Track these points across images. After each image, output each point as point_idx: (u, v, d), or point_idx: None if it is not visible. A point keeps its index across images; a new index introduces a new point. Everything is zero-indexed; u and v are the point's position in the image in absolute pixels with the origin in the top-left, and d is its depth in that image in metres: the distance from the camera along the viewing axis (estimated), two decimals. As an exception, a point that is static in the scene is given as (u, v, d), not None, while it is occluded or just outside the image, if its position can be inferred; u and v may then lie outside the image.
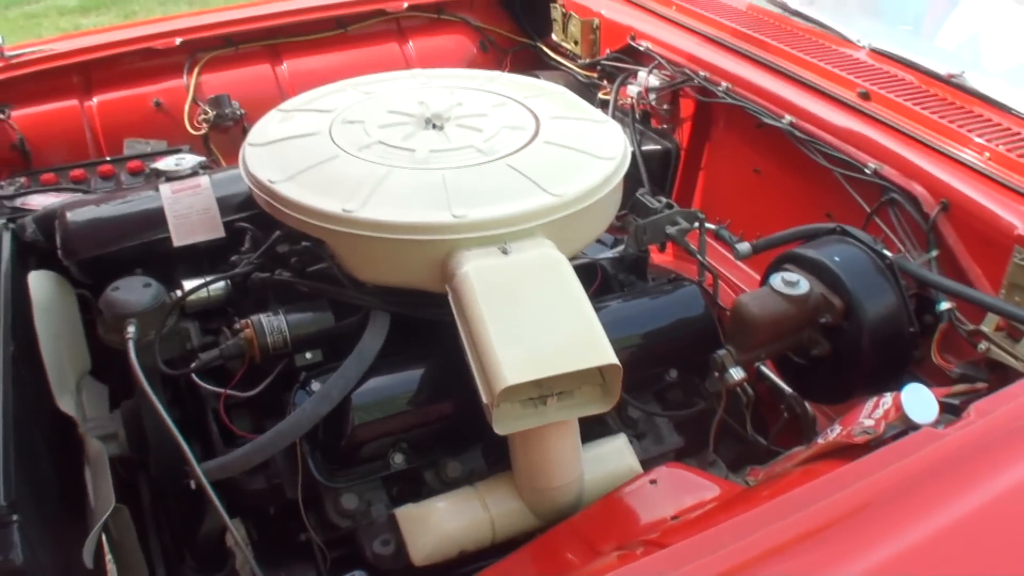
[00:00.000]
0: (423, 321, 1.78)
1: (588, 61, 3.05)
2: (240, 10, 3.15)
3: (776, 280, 1.82)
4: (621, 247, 2.14)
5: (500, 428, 1.50)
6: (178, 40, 2.87)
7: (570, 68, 3.15)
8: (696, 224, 2.03)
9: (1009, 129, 2.03)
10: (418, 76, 2.22)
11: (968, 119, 2.08)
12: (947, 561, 1.18)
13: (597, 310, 1.58)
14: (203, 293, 1.86)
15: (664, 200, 2.06)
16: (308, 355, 1.77)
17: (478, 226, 1.65)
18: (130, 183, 2.37)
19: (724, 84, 2.49)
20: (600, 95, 2.93)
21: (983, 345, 1.81)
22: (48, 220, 2.01)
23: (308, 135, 1.91)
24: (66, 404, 1.80)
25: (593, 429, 1.80)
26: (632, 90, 2.77)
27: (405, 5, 3.18)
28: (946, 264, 1.96)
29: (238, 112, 2.88)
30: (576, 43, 3.08)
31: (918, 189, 2.01)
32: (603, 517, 1.59)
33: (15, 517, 1.34)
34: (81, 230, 1.95)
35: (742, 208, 2.58)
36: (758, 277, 2.08)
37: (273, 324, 1.75)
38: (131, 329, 1.66)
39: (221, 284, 1.88)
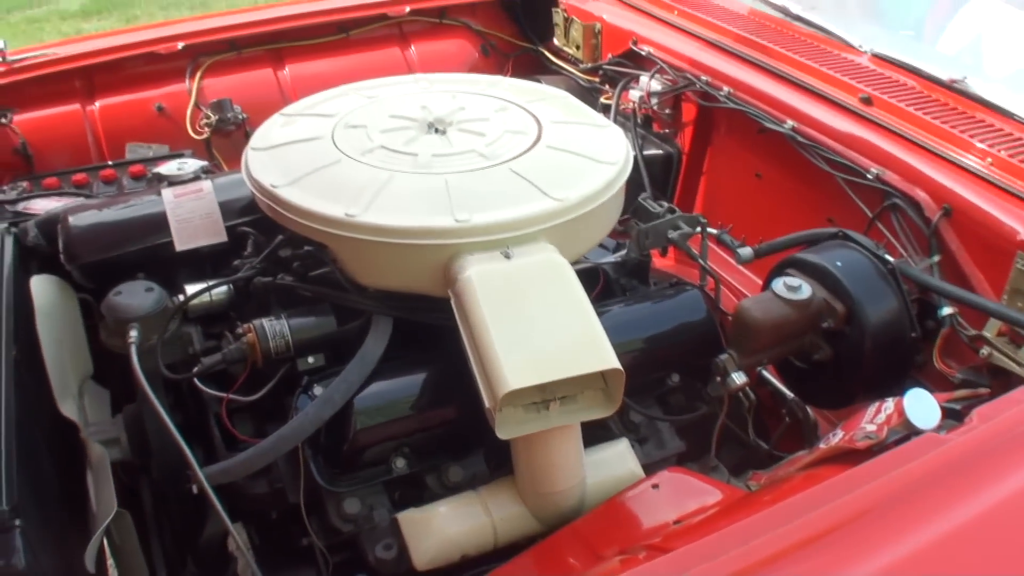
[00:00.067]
0: (425, 326, 1.77)
1: (590, 66, 3.06)
2: (242, 14, 3.15)
3: (778, 285, 1.82)
4: (623, 251, 2.14)
5: (503, 432, 1.50)
6: (180, 44, 2.87)
7: (572, 73, 3.15)
8: (698, 228, 2.03)
9: (1011, 134, 2.03)
10: (420, 81, 2.22)
11: (970, 124, 2.08)
12: (950, 566, 1.18)
13: (599, 314, 1.58)
14: (205, 297, 1.87)
15: (666, 204, 2.06)
16: (310, 359, 1.77)
17: (481, 230, 1.65)
18: (132, 187, 2.37)
19: (726, 89, 2.49)
20: (602, 100, 2.94)
21: (985, 350, 1.81)
22: (50, 224, 2.01)
23: (311, 139, 1.91)
24: (68, 408, 1.80)
25: (595, 433, 1.79)
26: (634, 95, 2.77)
27: (407, 9, 3.18)
28: (948, 269, 1.96)
29: (240, 116, 2.89)
30: (578, 48, 3.09)
31: (920, 194, 2.01)
32: (605, 521, 1.59)
33: (17, 522, 1.34)
34: (83, 234, 1.95)
35: (744, 213, 2.58)
36: (760, 282, 2.08)
37: (275, 328, 1.75)
38: (133, 333, 1.66)
39: (223, 288, 1.88)
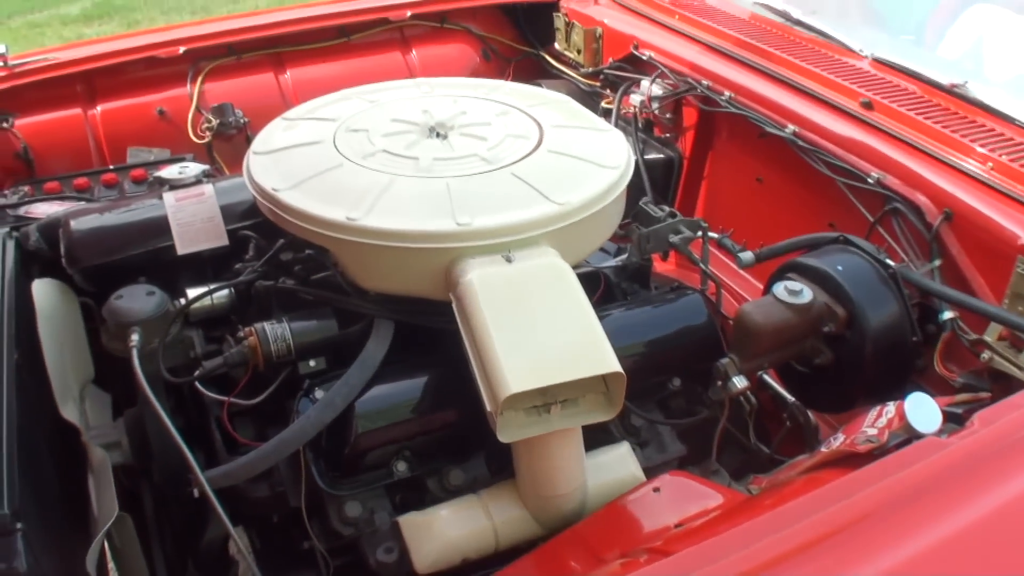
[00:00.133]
0: (427, 329, 1.78)
1: (591, 70, 3.06)
2: (243, 19, 3.16)
3: (779, 289, 1.82)
4: (624, 256, 2.14)
5: (504, 436, 1.50)
6: (182, 49, 2.87)
7: (573, 77, 3.16)
8: (699, 233, 2.04)
9: (1012, 139, 2.03)
10: (422, 85, 2.23)
11: (971, 129, 2.08)
12: (951, 570, 1.18)
13: (600, 318, 1.58)
14: (207, 301, 1.87)
15: (667, 209, 2.06)
16: (312, 363, 1.77)
17: (482, 234, 1.65)
18: (134, 191, 2.38)
19: (727, 93, 2.50)
20: (603, 104, 2.94)
21: (986, 355, 1.81)
22: (52, 229, 2.02)
23: (312, 143, 1.91)
24: (69, 412, 1.80)
25: (596, 437, 1.79)
26: (635, 99, 2.78)
27: (408, 14, 3.18)
28: (949, 274, 1.96)
29: (241, 121, 2.89)
30: (579, 52, 3.09)
31: (921, 199, 2.01)
32: (606, 525, 1.59)
33: (19, 525, 1.34)
34: (85, 238, 1.95)
35: (745, 217, 2.58)
36: (761, 286, 2.08)
37: (277, 332, 1.75)
38: (135, 337, 1.66)
39: (225, 292, 1.89)
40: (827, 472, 1.51)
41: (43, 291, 1.91)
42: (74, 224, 1.96)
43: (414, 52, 3.22)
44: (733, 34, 2.68)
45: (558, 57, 3.26)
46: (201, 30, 3.02)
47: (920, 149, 2.08)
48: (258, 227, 1.95)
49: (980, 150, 1.99)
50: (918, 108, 2.18)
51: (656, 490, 1.61)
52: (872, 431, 1.50)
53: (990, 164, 1.96)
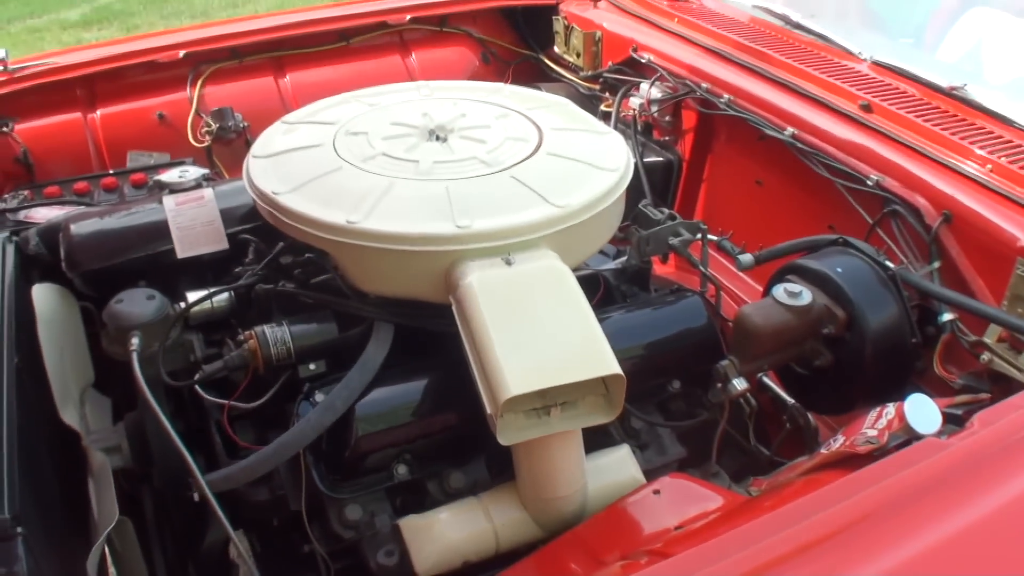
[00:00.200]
0: (427, 332, 1.78)
1: (590, 73, 3.07)
2: (243, 23, 3.17)
3: (779, 291, 1.82)
4: (624, 258, 2.14)
5: (504, 438, 1.50)
6: (181, 53, 2.88)
7: (572, 80, 3.16)
8: (698, 235, 2.04)
9: (1011, 141, 2.03)
10: (421, 88, 2.23)
11: (970, 131, 2.08)
12: (952, 571, 1.18)
13: (600, 321, 1.58)
14: (207, 305, 1.87)
15: (667, 211, 2.07)
16: (312, 366, 1.77)
17: (482, 237, 1.65)
18: (133, 195, 2.37)
19: (726, 96, 2.50)
20: (602, 107, 2.95)
21: (985, 356, 1.81)
22: (52, 233, 2.02)
23: (312, 147, 1.91)
24: (69, 416, 1.80)
25: (596, 439, 1.79)
26: (634, 102, 2.78)
27: (408, 18, 3.19)
28: (948, 276, 1.96)
29: (241, 124, 2.90)
30: (578, 55, 3.10)
31: (920, 201, 2.01)
32: (607, 527, 1.59)
33: (19, 529, 1.33)
34: (85, 242, 1.95)
35: (744, 219, 2.59)
36: (760, 288, 2.08)
37: (277, 335, 1.75)
38: (135, 341, 1.66)
39: (225, 296, 1.89)
40: (827, 473, 1.51)
41: (43, 295, 1.91)
42: (74, 228, 1.96)
43: (414, 55, 3.23)
44: (732, 37, 2.68)
45: (557, 60, 3.26)
46: (201, 34, 3.03)
47: (919, 151, 2.08)
48: (258, 231, 1.94)
49: (979, 152, 2.00)
50: (917, 111, 2.19)
51: (656, 492, 1.61)
52: (872, 432, 1.50)
53: (989, 166, 1.96)
